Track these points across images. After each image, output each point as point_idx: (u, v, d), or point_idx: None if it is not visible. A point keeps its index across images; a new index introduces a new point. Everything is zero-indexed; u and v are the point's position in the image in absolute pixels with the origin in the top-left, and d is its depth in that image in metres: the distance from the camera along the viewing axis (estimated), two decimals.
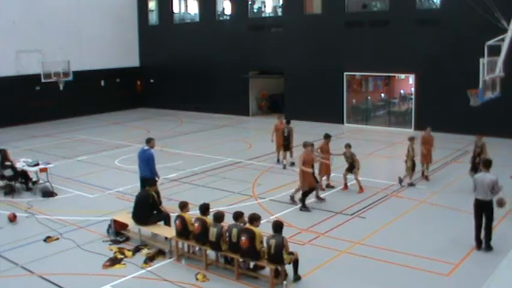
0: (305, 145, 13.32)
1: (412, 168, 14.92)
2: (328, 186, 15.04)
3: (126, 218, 11.55)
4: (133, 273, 9.79)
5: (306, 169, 12.91)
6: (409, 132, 23.41)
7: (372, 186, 15.01)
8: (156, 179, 12.67)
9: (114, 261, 10.27)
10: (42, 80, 26.41)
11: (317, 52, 26.24)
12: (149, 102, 33.81)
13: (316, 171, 14.06)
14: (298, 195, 13.42)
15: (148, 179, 12.34)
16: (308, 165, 12.98)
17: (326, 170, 14.64)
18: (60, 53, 26.92)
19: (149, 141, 13.01)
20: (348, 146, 14.77)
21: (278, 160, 17.99)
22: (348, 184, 14.82)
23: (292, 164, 17.28)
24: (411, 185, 15.02)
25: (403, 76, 26.43)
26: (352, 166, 14.60)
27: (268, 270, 9.17)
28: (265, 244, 9.19)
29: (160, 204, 11.54)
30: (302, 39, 26.76)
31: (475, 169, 14.17)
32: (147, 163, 12.78)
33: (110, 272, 9.89)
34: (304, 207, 13.11)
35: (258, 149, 20.37)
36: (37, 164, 15.41)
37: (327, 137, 14.77)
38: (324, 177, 14.84)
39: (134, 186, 14.31)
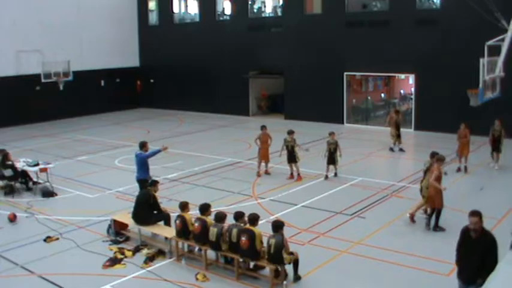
0: (439, 159, 11.63)
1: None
2: (266, 172, 16.53)
3: (126, 218, 11.56)
4: (133, 273, 9.79)
5: (439, 186, 11.35)
6: (409, 132, 23.44)
7: (372, 186, 15.03)
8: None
9: (114, 261, 10.28)
10: (42, 80, 26.44)
11: (317, 52, 26.23)
12: (149, 102, 33.79)
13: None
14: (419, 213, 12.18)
15: (142, 180, 12.84)
16: (440, 181, 11.43)
17: (265, 156, 16.17)
18: (60, 53, 26.93)
19: (143, 146, 13.02)
20: (291, 132, 15.82)
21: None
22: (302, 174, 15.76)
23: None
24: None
25: (403, 76, 26.45)
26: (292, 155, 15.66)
27: (268, 270, 9.18)
28: (265, 244, 9.19)
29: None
30: (302, 39, 26.75)
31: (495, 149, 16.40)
32: (140, 166, 12.93)
33: (110, 272, 9.89)
34: (438, 227, 11.66)
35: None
36: (37, 164, 15.41)
37: (263, 127, 16.41)
38: (263, 163, 16.32)
39: (134, 186, 14.27)
